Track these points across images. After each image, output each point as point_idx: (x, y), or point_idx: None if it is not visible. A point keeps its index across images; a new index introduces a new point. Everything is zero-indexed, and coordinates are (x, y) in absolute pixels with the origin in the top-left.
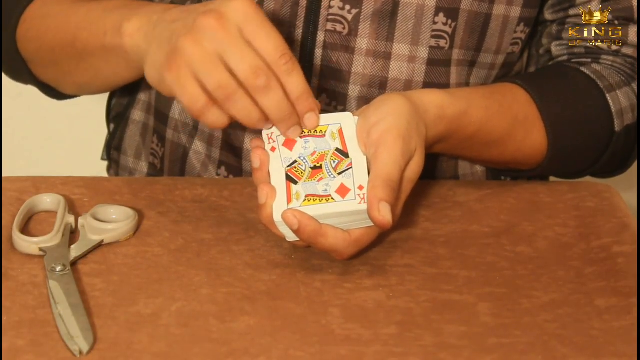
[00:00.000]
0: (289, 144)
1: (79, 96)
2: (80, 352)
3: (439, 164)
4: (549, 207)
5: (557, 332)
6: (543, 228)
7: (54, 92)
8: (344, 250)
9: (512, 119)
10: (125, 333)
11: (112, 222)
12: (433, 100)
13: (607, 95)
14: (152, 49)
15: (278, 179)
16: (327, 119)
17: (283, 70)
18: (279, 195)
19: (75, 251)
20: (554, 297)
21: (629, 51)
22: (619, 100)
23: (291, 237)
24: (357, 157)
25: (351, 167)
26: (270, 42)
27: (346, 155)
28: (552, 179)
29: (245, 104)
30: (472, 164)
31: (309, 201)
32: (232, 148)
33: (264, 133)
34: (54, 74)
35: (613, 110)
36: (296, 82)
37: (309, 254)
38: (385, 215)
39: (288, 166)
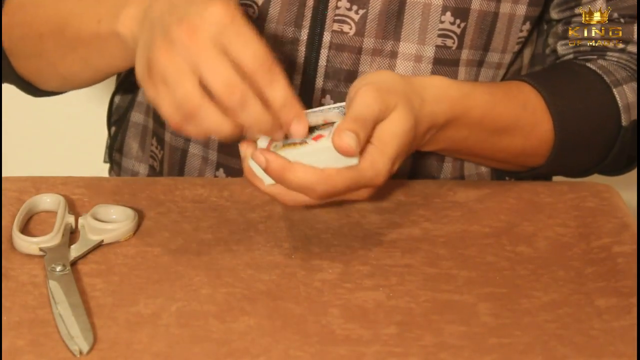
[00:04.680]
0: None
1: (60, 93)
2: (80, 352)
3: (444, 164)
4: (549, 207)
5: (557, 332)
6: (543, 228)
7: (32, 89)
8: (316, 186)
9: (519, 107)
10: (125, 333)
11: (112, 222)
12: (434, 82)
13: (614, 89)
14: (139, 46)
15: (263, 140)
16: (317, 114)
17: (263, 81)
18: (259, 147)
19: (75, 251)
20: (554, 297)
21: (634, 49)
22: (626, 95)
23: (269, 181)
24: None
25: (333, 125)
26: (247, 52)
27: (333, 123)
28: (553, 178)
29: (214, 118)
30: (477, 164)
31: (284, 146)
32: (233, 149)
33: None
34: (37, 66)
35: (620, 105)
36: (278, 91)
37: (309, 254)
38: (346, 139)
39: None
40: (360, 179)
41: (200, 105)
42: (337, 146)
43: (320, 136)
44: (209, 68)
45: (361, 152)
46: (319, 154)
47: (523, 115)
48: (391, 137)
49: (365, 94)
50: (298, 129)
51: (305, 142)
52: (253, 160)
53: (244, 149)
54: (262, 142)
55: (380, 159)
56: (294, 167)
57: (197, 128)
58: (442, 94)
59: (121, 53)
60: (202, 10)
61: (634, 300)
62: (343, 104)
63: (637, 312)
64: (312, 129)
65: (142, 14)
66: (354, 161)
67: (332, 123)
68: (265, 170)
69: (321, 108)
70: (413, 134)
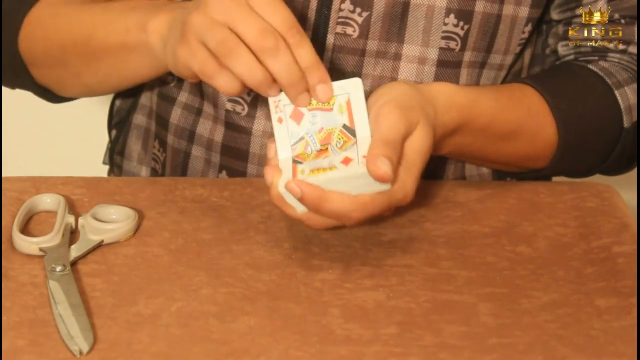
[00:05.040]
0: (297, 116)
1: (76, 99)
2: (80, 352)
3: (446, 165)
4: (549, 207)
5: (557, 332)
6: (543, 228)
7: (50, 95)
8: (351, 214)
9: (523, 111)
10: (125, 333)
11: (112, 222)
12: (441, 89)
13: (616, 91)
14: (170, 35)
15: (285, 162)
16: (335, 88)
17: (292, 42)
18: (285, 172)
19: (75, 251)
20: (554, 297)
21: (635, 50)
22: (627, 96)
23: (302, 208)
24: (363, 134)
25: (356, 144)
26: (278, 16)
27: (353, 132)
28: (553, 179)
29: (248, 61)
30: (478, 165)
31: (312, 172)
32: (237, 151)
33: (271, 101)
34: (60, 75)
35: (622, 107)
36: (306, 53)
37: (309, 253)
38: (382, 167)
39: (294, 144)
40: (392, 201)
41: (233, 47)
42: (373, 174)
43: (348, 159)
44: (243, 20)
45: None
46: (351, 180)
47: (527, 120)
48: (417, 155)
49: (389, 113)
50: (323, 91)
51: (334, 167)
52: (287, 190)
53: (270, 175)
54: (286, 170)
55: (408, 179)
56: (330, 197)
57: (229, 76)
58: (450, 102)
59: (148, 61)
60: None
61: (634, 300)
62: (353, 82)
63: (637, 312)
64: (333, 149)
65: (172, 20)
66: (386, 186)
67: (354, 135)
68: (301, 200)
69: (336, 83)
70: (433, 147)
